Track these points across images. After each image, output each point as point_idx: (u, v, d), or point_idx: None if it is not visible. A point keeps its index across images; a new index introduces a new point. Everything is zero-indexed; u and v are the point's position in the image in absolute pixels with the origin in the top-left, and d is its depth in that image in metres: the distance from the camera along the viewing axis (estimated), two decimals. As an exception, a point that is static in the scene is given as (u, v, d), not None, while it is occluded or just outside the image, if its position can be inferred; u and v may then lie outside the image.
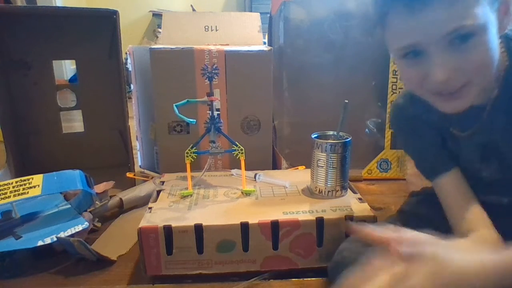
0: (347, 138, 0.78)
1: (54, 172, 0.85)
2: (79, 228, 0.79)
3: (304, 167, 1.03)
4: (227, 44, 1.08)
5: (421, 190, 0.78)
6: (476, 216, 0.59)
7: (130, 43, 1.26)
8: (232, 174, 0.94)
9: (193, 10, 3.53)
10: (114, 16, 1.06)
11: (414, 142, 0.69)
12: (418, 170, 0.70)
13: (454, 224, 0.61)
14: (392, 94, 1.17)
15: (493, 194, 0.62)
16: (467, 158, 0.63)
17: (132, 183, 1.11)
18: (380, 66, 1.19)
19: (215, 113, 0.85)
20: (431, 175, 0.66)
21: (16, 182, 0.82)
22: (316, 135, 0.80)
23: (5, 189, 0.81)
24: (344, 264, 0.56)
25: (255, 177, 0.90)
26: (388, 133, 1.20)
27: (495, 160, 0.60)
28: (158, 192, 0.83)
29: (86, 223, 0.81)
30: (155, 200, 0.79)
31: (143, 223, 0.68)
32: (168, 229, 0.68)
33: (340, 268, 0.56)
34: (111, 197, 0.96)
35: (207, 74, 0.82)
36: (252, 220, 0.69)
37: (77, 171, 0.87)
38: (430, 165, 0.66)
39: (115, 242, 0.84)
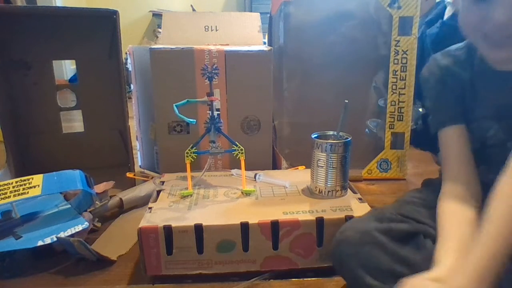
0: (347, 138, 0.78)
1: (54, 172, 0.85)
2: (79, 228, 0.79)
3: (304, 167, 1.03)
4: (227, 44, 1.08)
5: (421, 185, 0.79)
6: (466, 171, 0.64)
7: (130, 43, 1.26)
8: (232, 174, 0.94)
9: (193, 10, 3.53)
10: (114, 16, 1.06)
11: (437, 90, 0.70)
12: (430, 123, 0.71)
13: (445, 175, 0.65)
14: (392, 94, 1.17)
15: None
16: (481, 114, 0.65)
17: (132, 183, 1.11)
18: (380, 66, 1.19)
19: (215, 113, 0.85)
20: (440, 125, 0.68)
21: (16, 182, 0.82)
22: (316, 135, 0.80)
23: (5, 189, 0.81)
24: (346, 242, 0.59)
25: (255, 177, 0.90)
26: (388, 133, 1.20)
27: (509, 121, 0.62)
28: (158, 192, 0.83)
29: (86, 223, 0.81)
30: (155, 200, 0.79)
31: (143, 223, 0.69)
32: (168, 229, 0.68)
33: (343, 247, 0.59)
34: (111, 197, 0.96)
35: (207, 74, 0.82)
36: (252, 220, 0.69)
37: (77, 171, 0.87)
38: (443, 115, 0.68)
39: (115, 242, 0.84)
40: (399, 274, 0.53)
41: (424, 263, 0.54)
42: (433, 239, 0.57)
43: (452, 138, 0.67)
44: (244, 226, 0.69)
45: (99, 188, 0.94)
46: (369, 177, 1.22)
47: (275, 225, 0.69)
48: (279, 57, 1.21)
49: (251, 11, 3.51)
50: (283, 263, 0.71)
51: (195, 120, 0.81)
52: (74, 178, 0.85)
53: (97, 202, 0.92)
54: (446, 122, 0.67)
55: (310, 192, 0.82)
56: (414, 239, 0.60)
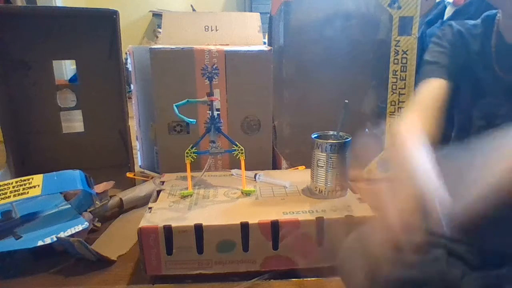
0: (347, 138, 0.78)
1: (54, 172, 0.85)
2: (79, 228, 0.79)
3: (304, 167, 1.03)
4: (227, 44, 1.08)
5: None
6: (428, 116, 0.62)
7: (130, 43, 1.26)
8: (232, 174, 0.94)
9: (193, 10, 3.53)
10: (114, 16, 1.06)
11: (441, 46, 0.69)
12: (419, 74, 0.71)
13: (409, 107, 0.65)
14: (392, 94, 1.17)
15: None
16: (493, 90, 0.64)
17: (132, 183, 1.11)
18: (380, 66, 1.19)
19: (215, 113, 0.85)
20: (427, 75, 0.67)
21: (16, 182, 0.82)
22: (316, 135, 0.80)
23: (5, 189, 0.81)
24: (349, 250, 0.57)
25: (255, 177, 0.90)
26: (388, 133, 1.20)
27: None
28: (158, 192, 0.83)
29: (86, 223, 0.81)
30: (155, 200, 0.79)
31: (143, 223, 0.69)
32: (168, 229, 0.68)
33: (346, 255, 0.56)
34: (111, 197, 0.96)
35: (207, 74, 0.82)
36: (252, 220, 0.69)
37: (77, 171, 0.87)
38: (435, 67, 0.68)
39: (115, 242, 0.84)
40: (408, 280, 0.52)
41: (434, 265, 0.53)
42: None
43: (430, 86, 0.66)
44: (244, 226, 0.69)
45: (99, 188, 0.94)
46: (369, 177, 1.22)
47: (275, 225, 0.69)
48: (279, 57, 1.21)
49: (251, 11, 3.51)
50: (283, 263, 0.71)
51: (195, 120, 0.81)
52: (74, 178, 0.85)
53: (97, 202, 0.92)
54: (434, 73, 0.67)
55: (310, 192, 0.82)
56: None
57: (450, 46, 0.69)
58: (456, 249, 0.57)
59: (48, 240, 0.75)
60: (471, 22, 0.69)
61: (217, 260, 0.70)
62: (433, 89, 0.66)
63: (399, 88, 1.16)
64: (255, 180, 0.89)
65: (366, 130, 1.27)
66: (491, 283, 0.53)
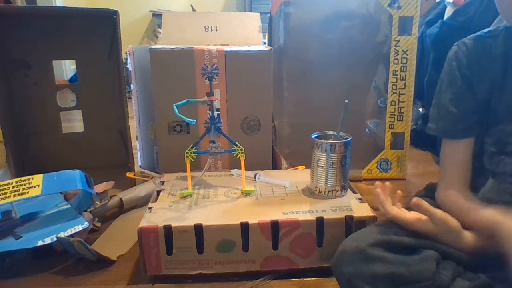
0: (347, 138, 0.78)
1: (54, 172, 0.85)
2: (79, 228, 0.79)
3: (304, 167, 1.03)
4: (227, 44, 1.08)
5: (424, 188, 0.78)
6: (463, 180, 0.65)
7: (130, 43, 1.26)
8: (232, 174, 0.94)
9: (193, 10, 3.53)
10: (114, 16, 1.06)
11: (456, 90, 0.65)
12: (437, 127, 0.68)
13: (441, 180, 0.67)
14: (392, 94, 1.17)
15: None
16: (504, 118, 0.62)
17: (132, 183, 1.11)
18: (380, 66, 1.19)
19: (215, 113, 0.85)
20: (449, 135, 0.66)
21: (16, 182, 0.82)
22: (316, 135, 0.80)
23: (5, 189, 0.80)
24: (344, 253, 0.57)
25: (255, 177, 0.90)
26: (388, 133, 1.20)
27: None
28: (158, 192, 0.83)
29: (86, 223, 0.81)
30: (155, 200, 0.79)
31: (143, 223, 0.69)
32: (168, 229, 0.68)
33: (341, 257, 0.57)
34: (111, 197, 0.96)
35: (207, 74, 0.82)
36: (252, 220, 0.69)
37: (77, 171, 0.87)
38: (454, 124, 0.65)
39: (115, 242, 0.84)
40: (397, 277, 0.52)
41: (422, 264, 0.53)
42: (439, 253, 0.56)
43: (458, 153, 0.65)
44: (244, 226, 0.69)
45: (99, 188, 0.94)
46: (369, 177, 1.22)
47: (275, 225, 0.69)
48: (279, 57, 1.21)
49: (251, 11, 3.51)
50: (283, 263, 0.71)
51: (195, 120, 0.81)
52: (74, 178, 0.85)
53: (97, 202, 0.92)
54: (457, 135, 0.65)
55: (310, 192, 0.82)
56: (414, 252, 0.57)
57: (465, 85, 0.64)
58: (449, 250, 0.57)
59: (48, 240, 0.75)
60: (489, 34, 0.63)
61: (217, 260, 0.70)
62: (460, 158, 0.65)
63: (399, 88, 1.16)
64: (255, 180, 0.89)
65: (366, 130, 1.27)
66: (483, 284, 0.53)
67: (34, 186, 0.81)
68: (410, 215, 0.59)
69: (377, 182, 0.66)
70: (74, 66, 1.34)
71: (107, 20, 1.08)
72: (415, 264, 0.53)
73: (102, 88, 1.24)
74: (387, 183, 0.67)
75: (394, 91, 1.17)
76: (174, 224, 0.68)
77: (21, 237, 0.77)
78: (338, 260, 0.57)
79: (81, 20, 1.21)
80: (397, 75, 1.16)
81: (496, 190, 0.62)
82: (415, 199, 0.58)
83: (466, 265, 0.56)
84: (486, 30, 0.65)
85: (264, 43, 1.18)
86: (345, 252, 0.56)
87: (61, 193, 0.90)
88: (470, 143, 0.65)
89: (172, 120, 1.06)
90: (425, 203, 0.57)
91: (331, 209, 0.73)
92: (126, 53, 1.24)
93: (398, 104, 1.17)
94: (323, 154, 0.78)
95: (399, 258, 0.54)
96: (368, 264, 0.54)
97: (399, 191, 0.67)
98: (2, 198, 0.79)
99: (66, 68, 2.94)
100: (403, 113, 1.18)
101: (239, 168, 0.86)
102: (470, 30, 0.68)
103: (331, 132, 0.81)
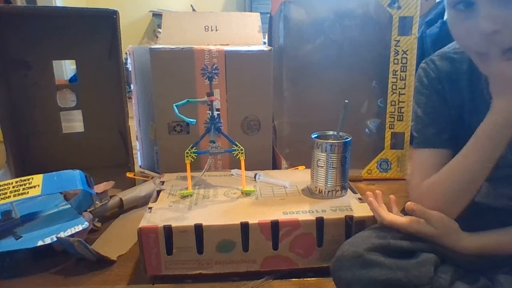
0: (347, 138, 0.78)
1: (54, 172, 0.85)
2: (79, 228, 0.79)
3: (304, 167, 1.03)
4: (227, 44, 1.08)
5: None
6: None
7: (130, 43, 1.26)
8: (232, 174, 0.94)
9: (193, 10, 3.53)
10: (114, 16, 1.06)
11: (432, 102, 0.65)
12: (413, 131, 0.67)
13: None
14: (392, 94, 1.17)
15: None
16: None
17: (132, 183, 1.11)
18: (380, 66, 1.19)
19: (215, 113, 0.85)
20: (423, 144, 0.65)
21: (16, 182, 0.82)
22: (316, 135, 0.80)
23: (5, 189, 0.80)
24: (342, 257, 0.56)
25: (255, 177, 0.90)
26: (388, 133, 1.20)
27: None
28: (158, 192, 0.83)
29: (86, 223, 0.81)
30: (155, 200, 0.79)
31: (143, 223, 0.69)
32: (168, 229, 0.68)
33: (339, 262, 0.56)
34: (111, 197, 0.96)
35: (207, 74, 0.82)
36: (252, 220, 0.69)
37: (77, 171, 0.87)
38: (431, 132, 0.64)
39: (115, 242, 0.84)
40: (395, 283, 0.52)
41: (420, 268, 0.53)
42: (437, 256, 0.56)
43: (428, 162, 0.63)
44: (244, 226, 0.69)
45: (99, 188, 0.94)
46: (369, 177, 1.22)
47: (275, 225, 0.69)
48: (279, 57, 1.21)
49: (251, 11, 3.51)
50: (283, 263, 0.71)
51: (195, 120, 0.81)
52: (74, 178, 0.85)
53: (97, 202, 0.92)
54: (431, 144, 0.64)
55: (310, 192, 0.82)
56: (413, 256, 0.56)
57: (438, 97, 0.63)
58: (448, 252, 0.57)
59: (48, 240, 0.75)
60: (455, 50, 0.63)
61: (217, 260, 0.70)
62: (429, 167, 0.62)
63: (399, 88, 1.16)
64: (255, 180, 0.89)
65: (366, 130, 1.27)
66: (482, 287, 0.53)
67: (34, 186, 0.81)
68: (406, 219, 0.59)
69: (368, 192, 0.68)
70: (74, 66, 1.34)
71: (107, 20, 1.08)
72: (412, 268, 0.53)
73: (102, 88, 1.24)
74: (377, 191, 0.68)
75: (394, 91, 1.17)
76: (174, 224, 0.68)
77: (21, 237, 0.77)
78: (336, 265, 0.56)
79: (81, 20, 1.21)
80: (397, 75, 1.16)
81: (492, 195, 0.62)
82: (409, 204, 0.58)
83: (466, 267, 0.56)
84: (450, 45, 0.65)
85: (264, 43, 1.18)
86: (343, 257, 0.56)
87: (61, 193, 0.90)
88: (444, 153, 0.63)
89: (172, 120, 1.06)
90: (419, 206, 0.57)
91: (331, 209, 0.73)
92: (126, 53, 1.24)
93: (398, 104, 1.17)
94: (323, 154, 0.78)
95: (396, 263, 0.53)
96: (366, 269, 0.53)
97: (392, 196, 0.68)
98: (2, 198, 0.79)
99: (66, 68, 2.95)
100: (403, 113, 1.18)
101: (239, 168, 0.86)
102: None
103: (331, 132, 0.81)
